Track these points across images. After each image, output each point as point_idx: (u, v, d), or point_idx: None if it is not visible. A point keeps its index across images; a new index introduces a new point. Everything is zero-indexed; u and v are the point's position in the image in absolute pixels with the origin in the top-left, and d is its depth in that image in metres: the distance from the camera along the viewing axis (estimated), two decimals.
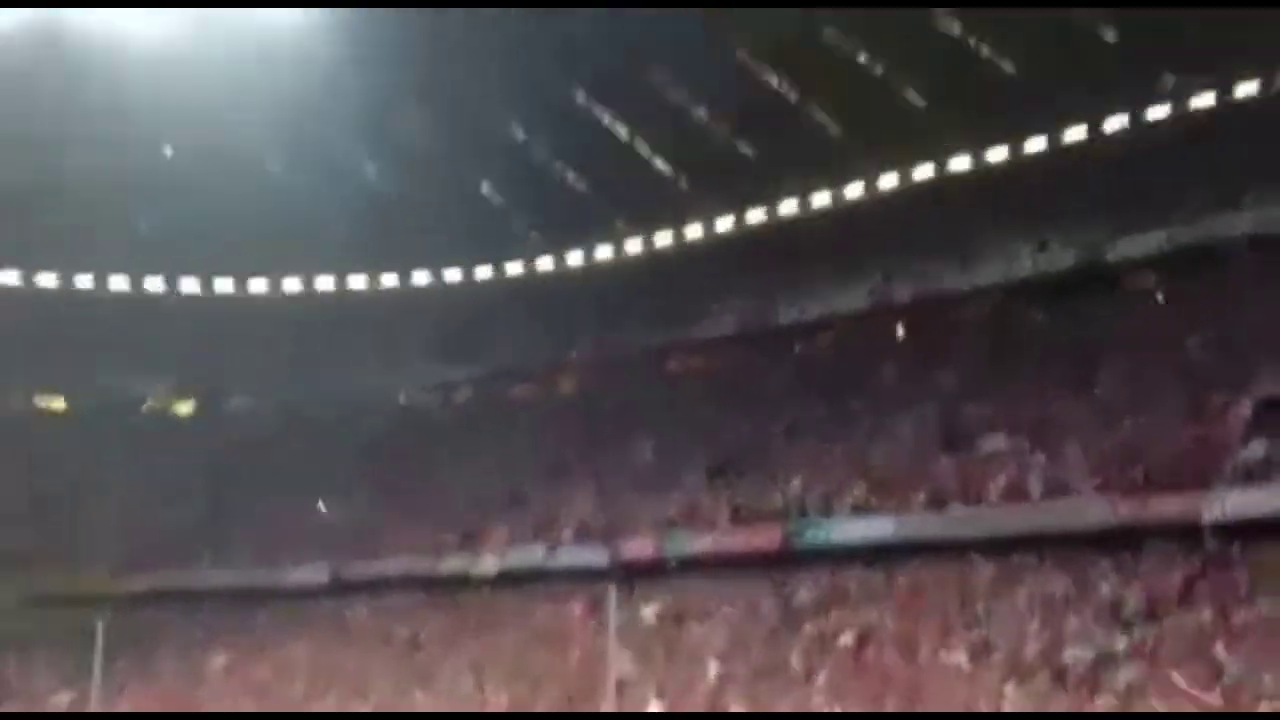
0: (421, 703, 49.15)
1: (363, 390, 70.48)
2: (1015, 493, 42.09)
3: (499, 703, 47.03)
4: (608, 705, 38.98)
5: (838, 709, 38.56)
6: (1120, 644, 36.13)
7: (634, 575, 48.38)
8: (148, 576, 62.64)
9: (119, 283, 71.97)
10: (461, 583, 55.18)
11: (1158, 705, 33.13)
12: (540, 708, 45.52)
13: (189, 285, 72.62)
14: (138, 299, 71.89)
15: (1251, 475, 37.08)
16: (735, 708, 40.86)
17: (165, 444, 68.44)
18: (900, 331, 57.62)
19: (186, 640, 59.94)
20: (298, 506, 63.78)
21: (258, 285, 72.91)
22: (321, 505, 64.67)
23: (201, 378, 71.96)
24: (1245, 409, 39.14)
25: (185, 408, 73.65)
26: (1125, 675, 34.84)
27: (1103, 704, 34.09)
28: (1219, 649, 34.11)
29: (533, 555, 53.65)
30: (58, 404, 70.95)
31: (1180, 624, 35.89)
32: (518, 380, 68.84)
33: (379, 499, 62.22)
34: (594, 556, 51.03)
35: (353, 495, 63.12)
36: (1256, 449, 37.53)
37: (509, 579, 53.81)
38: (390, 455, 64.71)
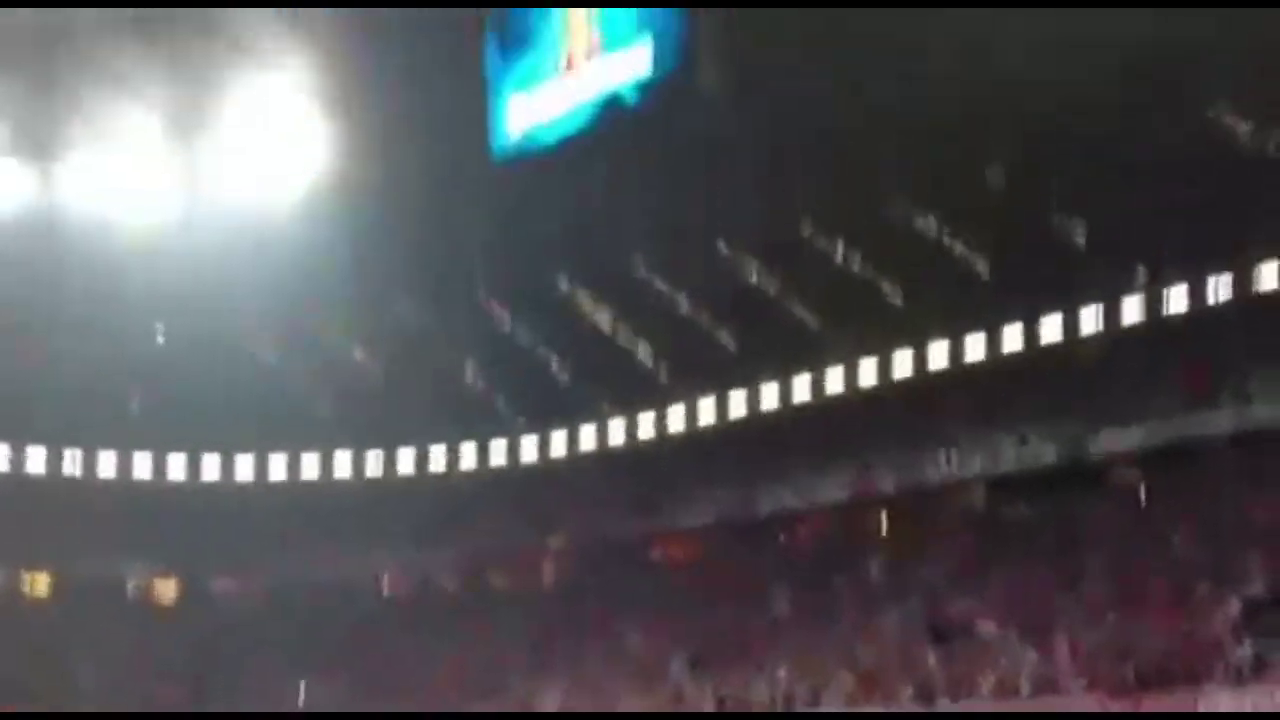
0: None
1: (346, 575, 70.32)
2: (1004, 689, 42.23)
3: None
4: None
5: None
6: None
7: None
8: None
9: (106, 465, 71.83)
10: None
11: None
12: None
13: (176, 467, 72.33)
14: (124, 482, 71.79)
15: (1242, 675, 37.48)
16: None
17: (150, 626, 68.04)
18: (884, 523, 58.07)
19: None
20: (281, 690, 63.50)
21: (244, 470, 72.80)
22: (302, 690, 64.53)
23: (186, 560, 71.63)
24: (1234, 608, 39.65)
25: (170, 590, 73.32)
26: None
27: None
28: None
29: None
30: (43, 585, 70.53)
31: None
32: (500, 566, 68.87)
33: (361, 685, 62.06)
34: None
35: (335, 680, 62.93)
36: (1247, 649, 37.94)
37: None
38: (372, 641, 64.48)
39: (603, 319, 69.73)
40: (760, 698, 48.26)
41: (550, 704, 54.20)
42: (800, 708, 46.72)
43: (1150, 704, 38.25)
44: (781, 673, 48.62)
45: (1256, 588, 39.98)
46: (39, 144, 63.19)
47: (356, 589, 70.73)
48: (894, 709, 44.09)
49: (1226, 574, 41.07)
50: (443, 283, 69.61)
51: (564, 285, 70.29)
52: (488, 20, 68.20)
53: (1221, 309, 51.23)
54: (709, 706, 49.28)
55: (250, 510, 69.98)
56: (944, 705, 43.12)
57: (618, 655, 55.87)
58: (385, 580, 72.35)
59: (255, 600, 70.54)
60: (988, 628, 45.53)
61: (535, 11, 66.73)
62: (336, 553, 69.45)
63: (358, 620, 66.60)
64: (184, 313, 68.47)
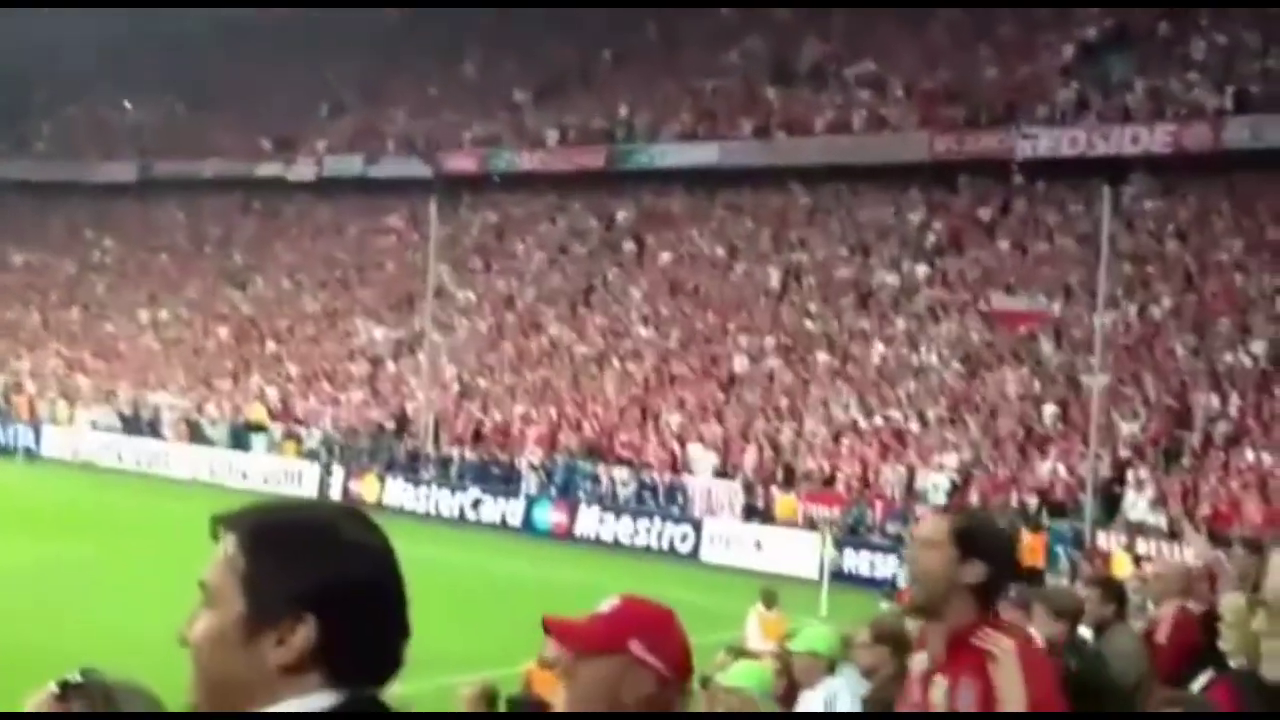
0: (237, 301, 49.99)
1: None
2: (838, 126, 43.47)
3: (316, 307, 48.01)
4: (427, 315, 39.94)
5: (652, 325, 40.13)
6: (923, 271, 38.32)
7: (456, 189, 48.90)
8: None
9: None
10: (277, 188, 55.32)
11: (950, 328, 35.38)
12: (358, 313, 46.62)
13: None
14: None
15: (1065, 117, 39.09)
16: (553, 321, 42.16)
17: None
18: None
19: None
20: (103, 104, 62.84)
21: None
22: (128, 104, 63.82)
23: None
24: (1065, 53, 40.92)
25: None
26: (925, 299, 37.07)
27: (902, 325, 36.22)
28: (1014, 279, 36.46)
29: (351, 165, 53.84)
30: None
31: (980, 255, 38.14)
32: None
33: (190, 101, 61.50)
34: (415, 169, 51.40)
35: (163, 97, 62.31)
36: (1071, 91, 39.43)
37: (327, 187, 54.11)
38: (202, 58, 62.91)
39: None
40: (601, 128, 48.92)
41: (390, 129, 54.51)
42: (640, 141, 47.58)
43: (974, 141, 39.96)
44: (623, 106, 49.20)
45: (1092, 32, 41.19)
46: None
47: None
48: (730, 142, 45.23)
49: (1069, 20, 41.96)
50: None
51: None
52: None
53: None
54: (551, 135, 49.84)
55: None
56: (779, 140, 44.40)
57: (460, 83, 55.66)
58: None
59: (74, 12, 67.72)
60: (830, 69, 46.38)
61: None
62: None
63: (186, 36, 64.12)
64: None
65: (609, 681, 3.07)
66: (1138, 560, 23.69)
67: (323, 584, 2.02)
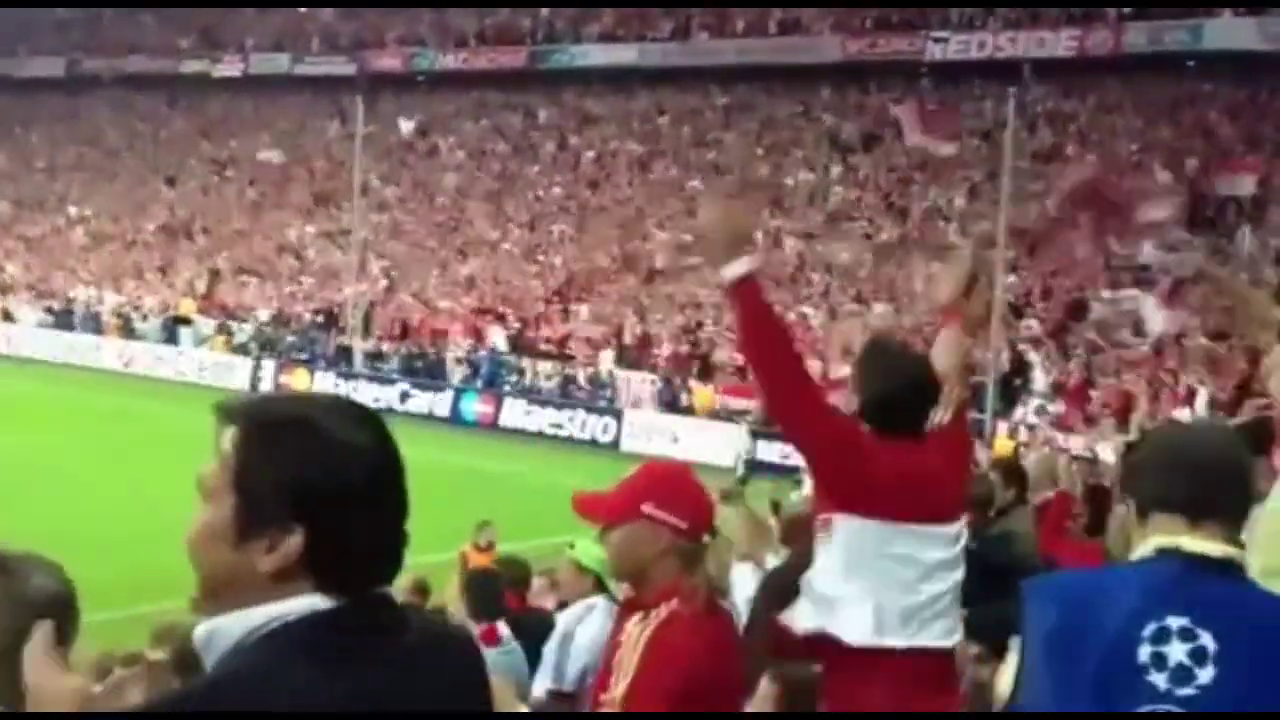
0: (165, 196, 50.57)
1: None
2: (754, 28, 44.53)
3: (244, 202, 48.74)
4: (354, 211, 40.75)
5: (573, 220, 41.25)
6: (836, 170, 39.63)
7: (381, 87, 49.63)
8: None
9: None
10: (204, 85, 55.73)
11: (859, 224, 36.75)
12: (285, 208, 47.35)
13: None
14: None
15: (973, 21, 40.32)
16: (477, 216, 43.13)
17: None
18: None
19: None
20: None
21: None
22: None
23: None
24: None
25: None
26: (837, 198, 38.42)
27: (816, 221, 37.54)
28: (919, 175, 37.91)
29: (277, 63, 54.35)
30: None
31: (889, 151, 39.50)
32: None
33: None
34: (340, 67, 52.10)
35: None
36: None
37: (252, 84, 54.65)
38: None
39: None
40: (522, 29, 49.56)
41: (315, 27, 54.79)
42: (561, 41, 48.24)
43: (884, 44, 41.20)
44: (544, 8, 49.82)
45: None
46: None
47: None
48: (650, 44, 46.13)
49: None
50: None
51: None
52: None
53: None
54: (473, 35, 50.40)
55: None
56: (698, 41, 45.37)
57: None
58: None
59: None
60: None
61: None
62: None
63: None
64: None
65: (629, 543, 3.44)
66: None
67: (312, 491, 1.94)
